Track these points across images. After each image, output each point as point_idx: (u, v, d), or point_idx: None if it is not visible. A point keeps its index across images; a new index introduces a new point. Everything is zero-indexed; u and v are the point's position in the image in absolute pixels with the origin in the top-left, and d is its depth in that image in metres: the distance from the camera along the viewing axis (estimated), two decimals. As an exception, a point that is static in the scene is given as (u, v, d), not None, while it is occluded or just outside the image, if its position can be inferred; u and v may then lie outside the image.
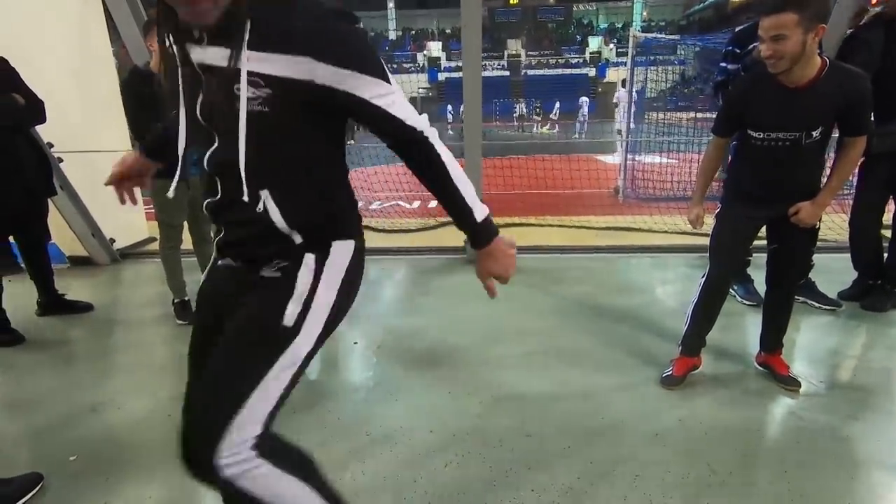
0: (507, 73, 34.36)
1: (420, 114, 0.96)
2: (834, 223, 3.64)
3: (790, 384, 2.08)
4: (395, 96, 0.92)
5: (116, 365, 2.56)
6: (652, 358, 2.34)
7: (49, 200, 3.06)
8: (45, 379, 2.37)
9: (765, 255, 2.10)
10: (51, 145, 3.43)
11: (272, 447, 0.92)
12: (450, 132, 19.28)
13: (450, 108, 24.12)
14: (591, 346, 2.50)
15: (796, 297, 2.37)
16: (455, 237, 3.44)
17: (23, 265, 2.99)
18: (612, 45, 35.33)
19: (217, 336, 0.98)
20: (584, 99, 20.78)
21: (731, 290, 2.85)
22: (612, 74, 30.10)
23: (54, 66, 3.62)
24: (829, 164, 2.02)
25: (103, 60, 4.16)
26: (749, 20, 2.70)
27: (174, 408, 2.07)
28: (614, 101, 12.05)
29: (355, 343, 2.61)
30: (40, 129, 3.01)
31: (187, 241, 2.93)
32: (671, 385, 2.11)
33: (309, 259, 0.98)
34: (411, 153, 0.97)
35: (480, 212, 1.00)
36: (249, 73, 0.85)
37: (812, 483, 1.59)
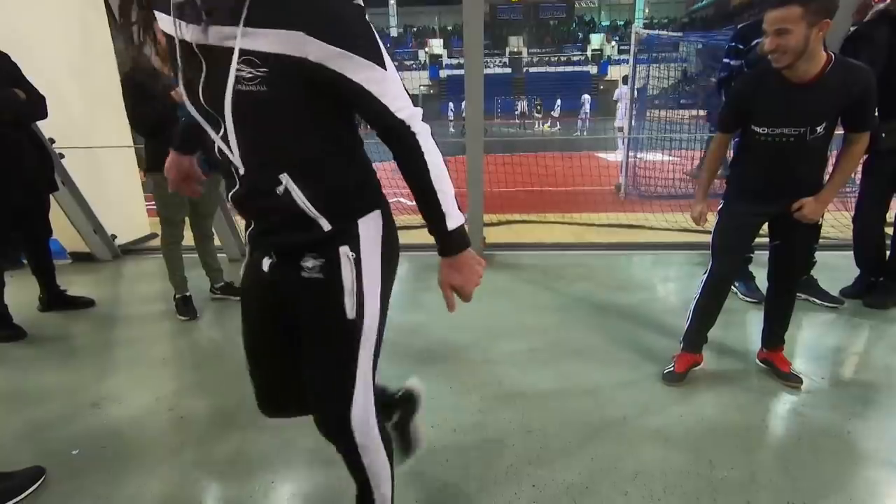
0: (508, 70, 34.35)
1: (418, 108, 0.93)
2: (836, 220, 3.64)
3: (792, 381, 2.08)
4: (388, 83, 0.87)
5: (118, 360, 2.57)
6: (653, 354, 2.34)
7: (51, 196, 3.06)
8: (46, 374, 2.38)
9: (766, 252, 2.09)
10: (52, 141, 3.44)
11: (381, 426, 1.13)
12: (451, 129, 19.24)
13: (451, 105, 24.09)
14: (592, 343, 2.50)
15: (798, 294, 2.36)
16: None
17: (24, 261, 2.99)
18: (613, 43, 35.28)
19: (275, 334, 1.12)
20: (586, 96, 20.79)
21: (732, 286, 2.85)
22: (614, 72, 30.04)
23: (55, 61, 3.62)
24: (832, 160, 2.01)
25: (104, 56, 4.15)
26: (751, 18, 2.68)
27: (175, 402, 2.10)
28: (615, 98, 12.00)
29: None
30: (42, 125, 3.01)
31: (189, 237, 2.93)
32: (673, 381, 2.11)
33: (344, 252, 0.99)
34: (392, 144, 0.94)
35: (454, 220, 0.97)
36: (245, 52, 0.82)
37: (813, 480, 1.59)
